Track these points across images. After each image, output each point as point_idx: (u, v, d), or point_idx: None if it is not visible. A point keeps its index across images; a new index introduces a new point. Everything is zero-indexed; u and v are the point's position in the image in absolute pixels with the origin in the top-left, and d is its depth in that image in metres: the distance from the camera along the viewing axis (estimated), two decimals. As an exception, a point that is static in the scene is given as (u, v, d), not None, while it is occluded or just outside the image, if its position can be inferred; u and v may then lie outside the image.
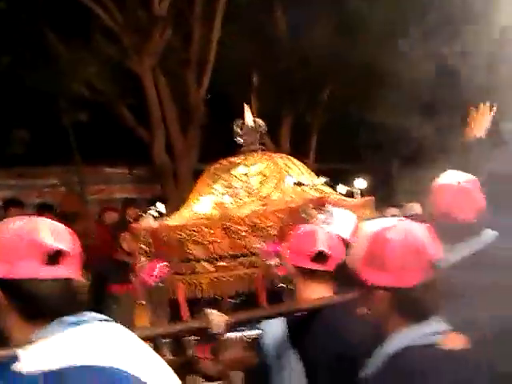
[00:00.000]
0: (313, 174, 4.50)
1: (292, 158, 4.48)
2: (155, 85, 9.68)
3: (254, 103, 10.94)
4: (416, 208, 7.67)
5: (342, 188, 4.34)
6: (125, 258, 6.95)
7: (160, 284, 4.32)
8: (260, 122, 4.45)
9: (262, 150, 4.50)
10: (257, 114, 10.69)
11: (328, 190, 4.29)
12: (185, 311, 3.84)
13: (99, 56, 9.59)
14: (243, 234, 4.03)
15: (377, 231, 1.84)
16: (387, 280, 1.78)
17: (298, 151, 10.19)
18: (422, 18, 11.41)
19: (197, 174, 9.77)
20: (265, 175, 4.16)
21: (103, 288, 6.67)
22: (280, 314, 2.66)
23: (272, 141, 11.06)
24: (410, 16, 11.20)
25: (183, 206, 4.40)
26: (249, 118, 4.42)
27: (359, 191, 4.52)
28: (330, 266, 2.55)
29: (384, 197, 10.04)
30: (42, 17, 9.48)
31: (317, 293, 2.57)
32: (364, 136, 12.94)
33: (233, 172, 4.29)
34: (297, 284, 2.69)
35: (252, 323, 3.07)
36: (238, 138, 4.43)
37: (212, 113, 10.35)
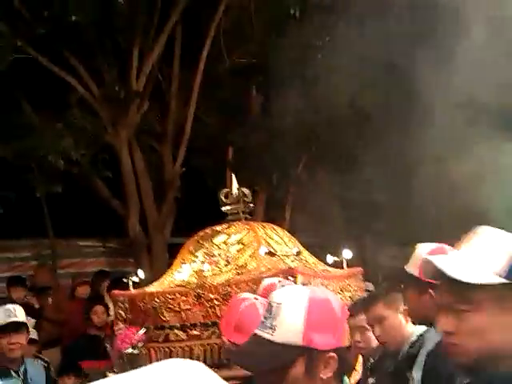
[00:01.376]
0: (297, 243, 4.52)
1: (277, 227, 4.51)
2: (131, 157, 9.69)
3: (229, 177, 11.00)
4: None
5: (329, 258, 4.37)
6: (96, 331, 6.91)
7: (134, 351, 4.29)
8: (246, 191, 4.66)
9: (246, 219, 4.55)
10: (231, 187, 10.84)
11: (311, 260, 4.32)
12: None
13: (75, 128, 9.58)
14: (215, 302, 4.10)
15: (313, 296, 1.79)
16: (336, 342, 1.75)
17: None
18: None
19: (171, 248, 9.80)
20: (243, 244, 4.27)
21: (75, 364, 6.52)
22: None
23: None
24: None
25: (166, 273, 4.42)
26: (234, 187, 4.57)
27: (345, 262, 4.54)
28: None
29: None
30: (18, 88, 9.53)
31: None
32: (336, 211, 13.02)
33: (214, 240, 4.44)
34: None
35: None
36: (223, 207, 4.41)
37: (187, 186, 10.35)
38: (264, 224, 4.77)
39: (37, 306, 8.04)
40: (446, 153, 6.61)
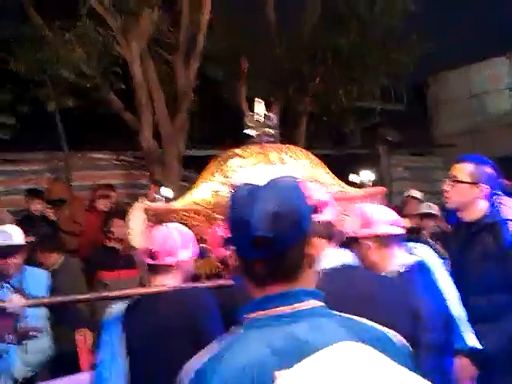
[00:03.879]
0: (315, 162, 4.58)
1: (294, 149, 4.57)
2: (143, 69, 9.49)
3: (244, 90, 10.87)
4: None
5: (354, 177, 4.43)
6: (115, 244, 6.99)
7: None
8: (272, 115, 4.49)
9: (268, 142, 4.64)
10: (246, 100, 10.76)
11: (326, 179, 4.37)
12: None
13: (86, 40, 9.39)
14: (219, 222, 4.22)
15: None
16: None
17: (289, 137, 10.15)
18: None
19: (185, 160, 9.81)
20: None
21: (94, 274, 6.66)
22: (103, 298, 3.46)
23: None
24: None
25: (189, 190, 4.72)
26: (260, 111, 4.48)
27: (370, 181, 4.58)
28: (161, 261, 3.10)
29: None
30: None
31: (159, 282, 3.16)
32: (351, 122, 12.98)
33: (230, 163, 4.46)
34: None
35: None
36: (248, 130, 4.57)
37: (200, 99, 10.21)
38: (280, 147, 4.60)
39: (53, 217, 8.11)
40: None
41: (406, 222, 5.06)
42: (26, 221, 7.43)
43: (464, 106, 13.82)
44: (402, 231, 3.28)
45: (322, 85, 11.40)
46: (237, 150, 4.58)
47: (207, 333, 2.92)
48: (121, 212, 7.55)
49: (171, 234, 3.23)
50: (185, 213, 4.35)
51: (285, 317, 1.48)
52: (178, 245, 3.19)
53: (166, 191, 5.11)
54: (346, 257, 2.70)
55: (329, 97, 11.60)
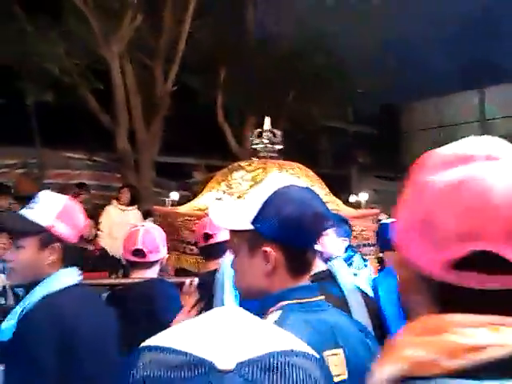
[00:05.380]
0: (317, 181, 4.87)
1: (298, 166, 5.15)
2: (122, 72, 9.63)
3: (221, 99, 11.02)
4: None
5: (352, 198, 4.70)
6: (84, 245, 6.99)
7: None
8: (278, 133, 5.02)
9: (272, 158, 5.14)
10: (222, 109, 10.89)
11: (328, 199, 4.72)
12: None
13: (68, 37, 9.51)
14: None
15: None
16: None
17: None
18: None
19: (157, 166, 9.87)
20: (255, 181, 4.70)
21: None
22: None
23: (236, 141, 11.16)
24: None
25: (196, 197, 5.22)
26: (266, 128, 5.04)
27: (364, 202, 4.88)
28: (146, 259, 3.30)
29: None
30: None
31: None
32: (323, 141, 13.21)
33: (234, 175, 4.91)
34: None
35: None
36: (253, 145, 5.16)
37: (176, 105, 10.32)
38: (281, 163, 5.06)
39: None
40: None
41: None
42: None
43: (434, 135, 14.22)
44: None
45: (296, 102, 11.63)
46: (242, 163, 5.03)
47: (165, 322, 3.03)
48: (91, 212, 7.61)
49: (153, 233, 3.42)
50: (187, 217, 4.71)
51: (315, 305, 1.66)
52: (159, 243, 3.40)
53: (175, 195, 5.59)
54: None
55: (303, 115, 11.84)
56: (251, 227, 1.70)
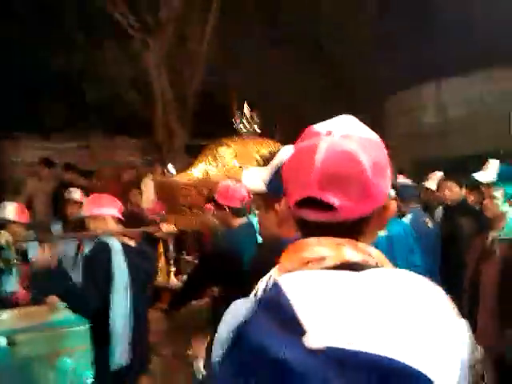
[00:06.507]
0: None
1: (271, 142, 5.53)
2: (159, 75, 11.66)
3: (234, 96, 13.16)
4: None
5: None
6: (134, 209, 7.89)
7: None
8: (254, 114, 5.34)
9: (251, 135, 5.54)
10: (235, 99, 12.79)
11: None
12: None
13: (118, 47, 11.62)
14: (204, 192, 5.07)
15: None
16: None
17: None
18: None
19: (188, 148, 11.90)
20: (235, 154, 5.11)
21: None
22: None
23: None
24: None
25: (188, 168, 5.68)
26: (246, 111, 5.50)
27: None
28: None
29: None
30: (73, 17, 11.51)
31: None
32: None
33: (219, 149, 5.25)
34: None
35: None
36: (236, 126, 5.49)
37: (203, 101, 12.22)
38: (259, 140, 5.41)
39: (84, 185, 9.06)
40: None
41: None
42: (60, 188, 8.49)
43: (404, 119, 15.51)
44: None
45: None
46: (225, 141, 5.34)
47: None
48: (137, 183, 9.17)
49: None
50: (182, 186, 4.88)
51: None
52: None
53: (171, 168, 5.77)
54: None
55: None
56: (265, 190, 1.99)
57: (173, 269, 5.44)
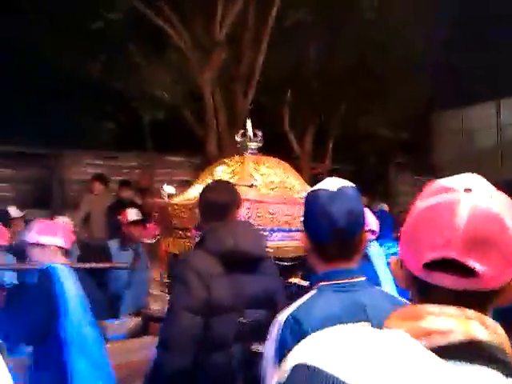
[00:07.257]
0: (293, 174, 5.06)
1: (275, 162, 5.18)
2: (212, 94, 11.72)
3: (287, 114, 13.51)
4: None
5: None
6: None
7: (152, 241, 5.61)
8: (258, 133, 5.11)
9: (253, 154, 5.21)
10: (288, 123, 13.20)
11: (301, 187, 4.91)
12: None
13: (171, 68, 11.72)
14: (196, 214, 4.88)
15: None
16: None
17: (318, 154, 12.74)
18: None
19: None
20: (234, 173, 4.80)
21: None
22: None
23: (299, 145, 13.64)
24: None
25: (187, 189, 5.40)
26: (249, 128, 5.25)
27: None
28: None
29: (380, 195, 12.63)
30: (128, 35, 11.59)
31: None
32: (367, 144, 15.26)
33: (218, 168, 5.05)
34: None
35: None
36: (239, 144, 5.23)
37: (253, 119, 12.42)
38: (259, 158, 5.09)
39: (139, 202, 9.74)
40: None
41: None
42: (116, 205, 8.94)
43: (458, 139, 15.95)
44: None
45: (345, 116, 13.96)
46: (225, 160, 5.14)
47: None
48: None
49: None
50: (176, 206, 4.69)
51: (348, 286, 1.85)
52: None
53: (168, 188, 5.40)
54: None
55: (350, 126, 14.18)
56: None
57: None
